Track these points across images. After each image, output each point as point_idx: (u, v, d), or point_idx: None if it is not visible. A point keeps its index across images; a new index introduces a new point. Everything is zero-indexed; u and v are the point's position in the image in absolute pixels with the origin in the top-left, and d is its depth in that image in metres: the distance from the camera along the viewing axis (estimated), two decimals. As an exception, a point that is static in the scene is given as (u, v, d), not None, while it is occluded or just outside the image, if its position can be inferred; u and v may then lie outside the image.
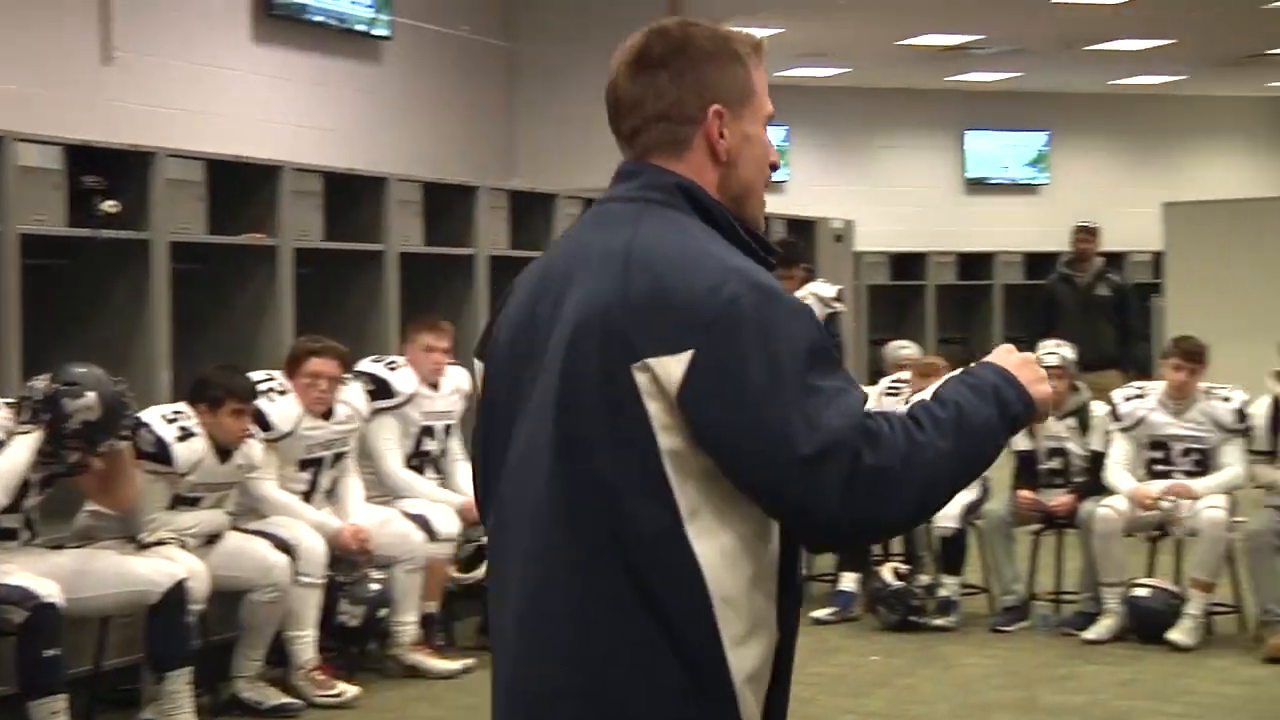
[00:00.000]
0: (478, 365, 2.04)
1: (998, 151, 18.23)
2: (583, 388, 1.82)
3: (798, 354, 1.79)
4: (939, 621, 7.08)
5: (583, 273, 1.88)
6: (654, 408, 1.79)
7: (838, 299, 8.63)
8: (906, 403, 1.89)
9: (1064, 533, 7.24)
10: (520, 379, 1.91)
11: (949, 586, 7.17)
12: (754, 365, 1.77)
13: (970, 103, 17.90)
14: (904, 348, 8.84)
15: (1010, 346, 1.97)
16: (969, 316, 16.55)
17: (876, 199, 17.34)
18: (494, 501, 1.95)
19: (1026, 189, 18.31)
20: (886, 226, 16.71)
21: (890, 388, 7.55)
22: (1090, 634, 6.79)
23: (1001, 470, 7.44)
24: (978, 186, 18.20)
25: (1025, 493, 7.16)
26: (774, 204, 10.70)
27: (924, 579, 7.19)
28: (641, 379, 1.79)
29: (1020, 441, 7.32)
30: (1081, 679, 6.24)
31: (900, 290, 16.18)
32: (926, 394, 1.88)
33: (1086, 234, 10.49)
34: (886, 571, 7.21)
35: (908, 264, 16.24)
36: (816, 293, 8.57)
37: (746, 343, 1.78)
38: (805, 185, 17.15)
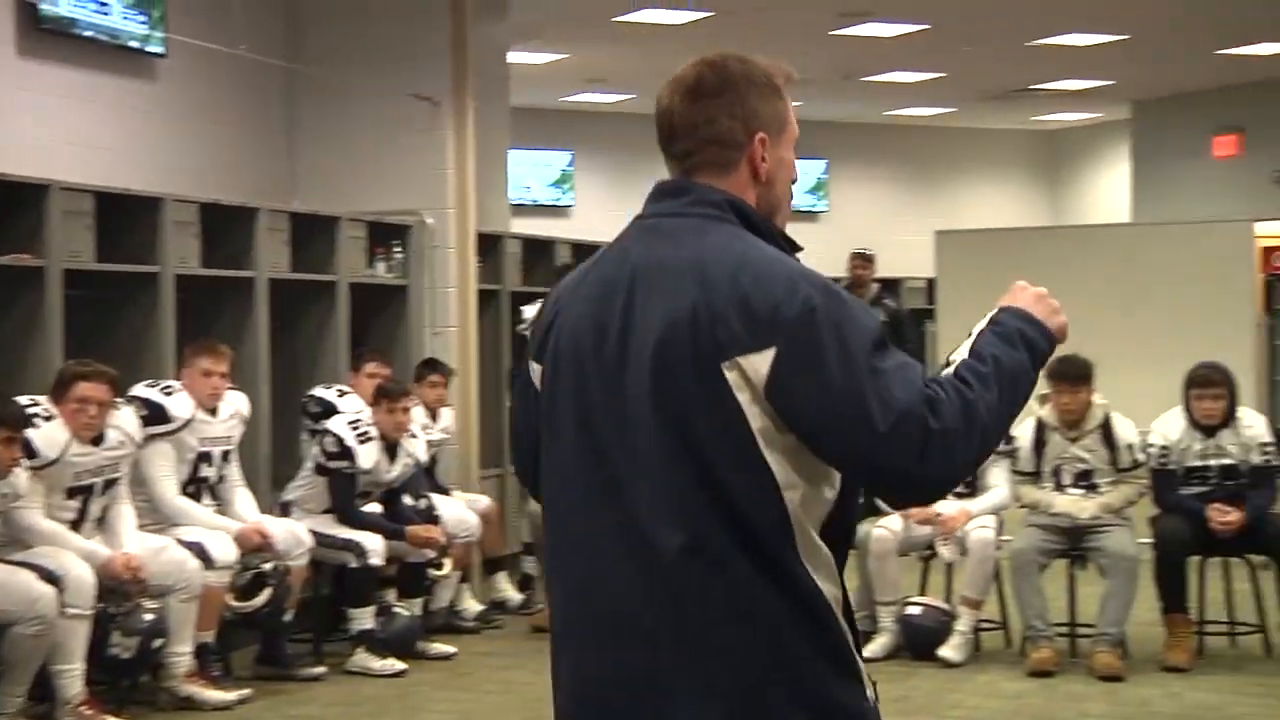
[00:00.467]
0: (535, 367, 2.26)
1: (779, 179, 18.59)
2: (677, 384, 2.08)
3: (865, 344, 2.06)
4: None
5: (657, 283, 2.13)
6: (743, 398, 2.06)
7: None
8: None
9: (841, 553, 7.38)
10: (588, 377, 2.16)
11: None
12: (831, 357, 2.04)
13: (753, 131, 18.21)
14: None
15: (1023, 284, 2.22)
16: (752, 341, 16.82)
17: (661, 224, 17.52)
18: (555, 475, 2.21)
19: (807, 216, 18.70)
20: (671, 252, 16.90)
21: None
22: (865, 652, 6.91)
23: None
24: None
25: None
26: (559, 229, 10.68)
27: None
28: (731, 375, 2.06)
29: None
30: (858, 696, 6.36)
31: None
32: (962, 350, 2.14)
33: (863, 260, 10.77)
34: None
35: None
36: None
37: (823, 338, 2.05)
38: (591, 210, 17.25)
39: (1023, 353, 2.13)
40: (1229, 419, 6.87)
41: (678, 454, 2.09)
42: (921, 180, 19.19)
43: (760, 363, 2.05)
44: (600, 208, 17.38)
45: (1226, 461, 6.86)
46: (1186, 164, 16.18)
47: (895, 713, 6.08)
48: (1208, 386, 6.86)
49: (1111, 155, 18.52)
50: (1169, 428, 6.92)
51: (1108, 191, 18.54)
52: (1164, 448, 6.90)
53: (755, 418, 2.06)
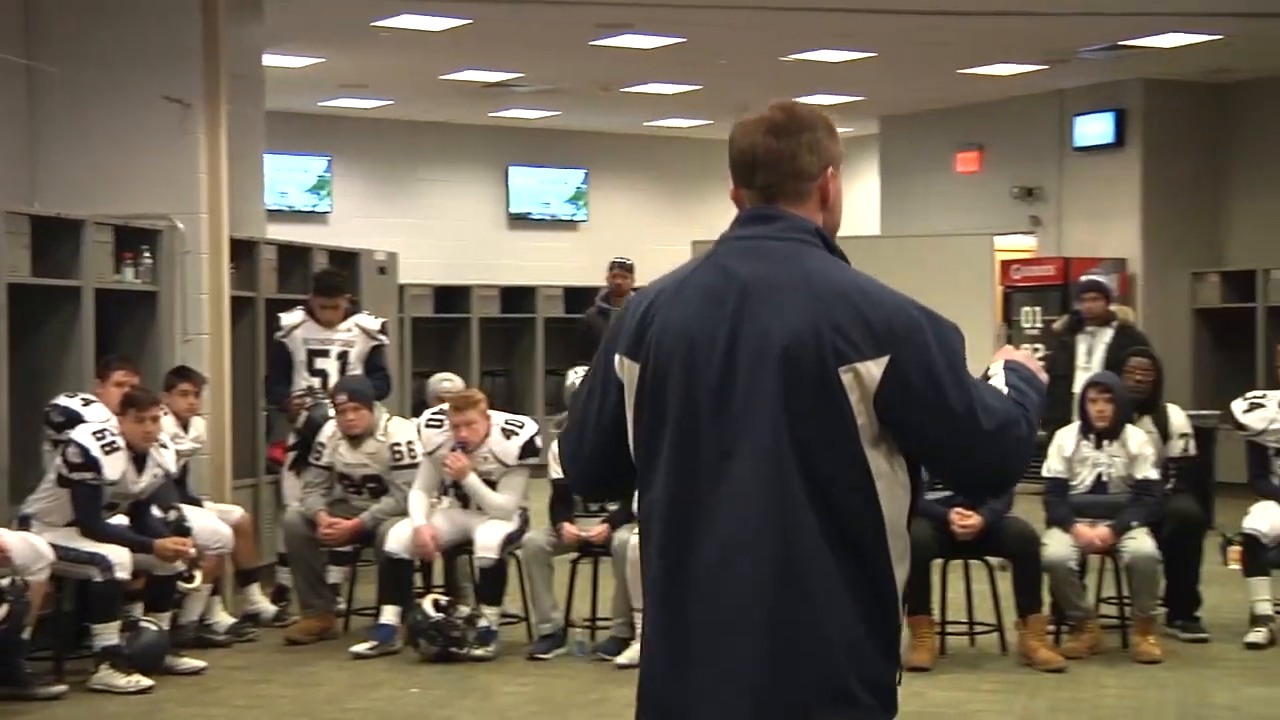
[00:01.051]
0: (628, 361, 2.56)
1: (539, 188, 18.62)
2: (799, 384, 2.44)
3: (960, 359, 2.50)
4: (479, 652, 7.15)
5: (769, 297, 2.49)
6: (854, 398, 2.43)
7: (382, 331, 8.62)
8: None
9: (599, 560, 7.45)
10: (698, 373, 2.49)
11: (489, 617, 7.25)
12: (939, 367, 2.45)
13: (513, 139, 18.22)
14: (446, 380, 8.91)
15: (1010, 346, 2.78)
16: (512, 349, 16.83)
17: (420, 232, 17.39)
18: (653, 462, 2.52)
19: (567, 225, 18.78)
20: (430, 259, 16.79)
21: (431, 419, 7.58)
22: (623, 659, 7.00)
23: (539, 500, 7.60)
24: (520, 222, 18.53)
25: (568, 526, 7.32)
26: (316, 235, 10.52)
27: (464, 610, 7.24)
28: (846, 378, 2.43)
29: (557, 470, 7.49)
30: (613, 702, 6.43)
31: (444, 323, 16.28)
32: (998, 382, 2.58)
33: (622, 270, 10.87)
34: (427, 603, 7.22)
35: (451, 297, 16.37)
36: (361, 325, 8.53)
37: (930, 351, 2.45)
38: (348, 217, 17.02)
39: (1035, 394, 2.60)
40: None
41: (786, 443, 2.43)
42: (680, 191, 19.45)
43: (875, 369, 2.43)
44: (358, 214, 17.17)
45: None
46: (931, 179, 16.75)
47: None
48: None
49: (860, 169, 19.05)
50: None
51: (857, 204, 19.05)
52: (909, 454, 7.12)
53: (860, 415, 2.43)
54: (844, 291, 2.48)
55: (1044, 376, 2.67)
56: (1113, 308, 9.68)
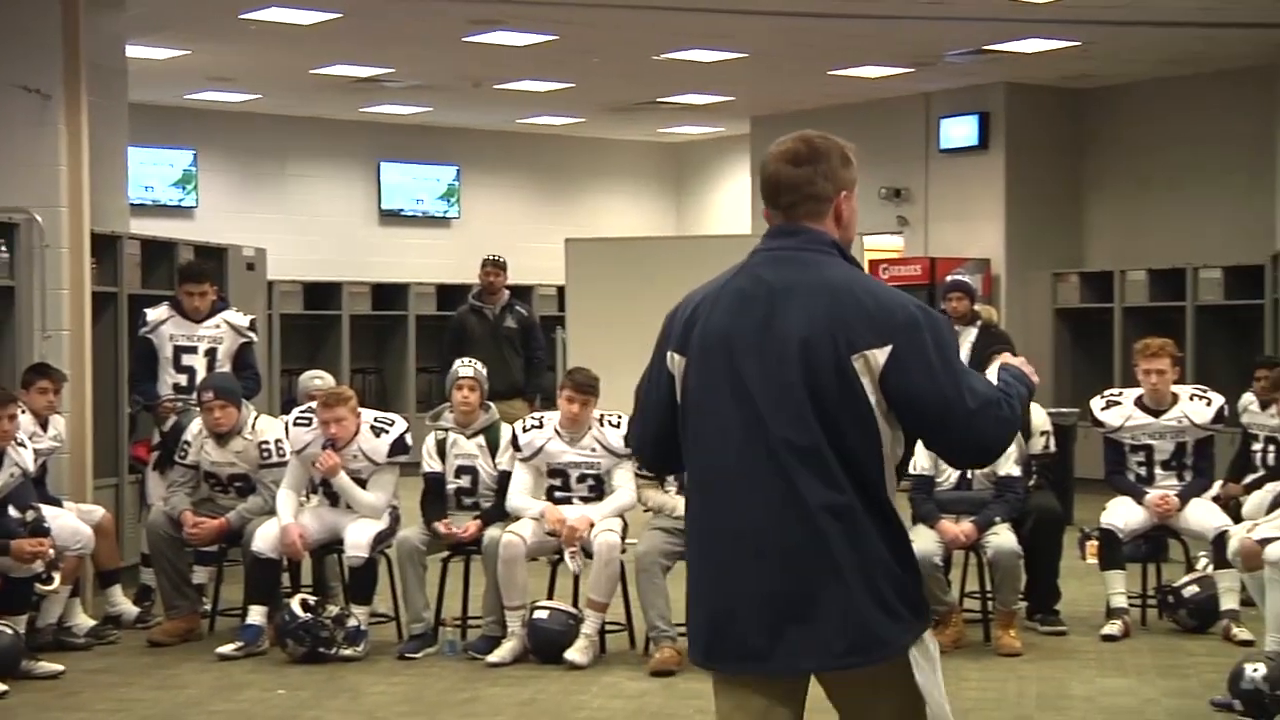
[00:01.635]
0: (676, 357, 3.16)
1: (411, 184, 18.48)
2: (821, 372, 3.00)
3: (952, 348, 3.06)
4: (348, 652, 7.09)
5: (794, 298, 3.05)
6: (865, 381, 3.00)
7: (251, 328, 8.50)
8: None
9: (471, 558, 7.42)
10: (742, 365, 3.06)
11: (358, 616, 7.19)
12: (932, 354, 3.00)
13: (384, 134, 18.07)
14: (317, 377, 8.81)
15: (1008, 355, 3.33)
16: (383, 346, 16.69)
17: (290, 228, 17.18)
18: (702, 440, 3.11)
19: (439, 222, 18.67)
20: (300, 256, 16.59)
21: (300, 418, 7.50)
22: (493, 657, 6.99)
23: (410, 499, 7.56)
24: (392, 218, 18.38)
25: (444, 526, 7.28)
26: (183, 230, 10.35)
27: (333, 609, 7.17)
28: (858, 364, 2.99)
29: (431, 463, 7.46)
30: (484, 701, 6.41)
31: (314, 320, 16.10)
32: (991, 375, 3.20)
33: (495, 267, 10.83)
34: (295, 603, 7.14)
35: (322, 294, 16.19)
36: (229, 321, 8.40)
37: (925, 341, 3.00)
38: (215, 212, 16.74)
39: (1024, 388, 3.18)
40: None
41: (815, 420, 3.01)
42: (552, 189, 19.43)
43: (880, 356, 2.99)
44: (225, 209, 16.91)
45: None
46: (802, 179, 16.90)
47: (521, 716, 6.17)
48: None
49: (733, 168, 19.19)
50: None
51: (729, 203, 19.21)
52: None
53: (872, 394, 3.00)
54: (854, 292, 3.04)
55: (1035, 378, 3.23)
56: (977, 307, 9.85)
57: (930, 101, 15.73)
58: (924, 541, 7.21)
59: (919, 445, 7.46)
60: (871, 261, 14.76)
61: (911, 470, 7.50)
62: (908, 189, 16.04)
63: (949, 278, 10.78)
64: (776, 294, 3.07)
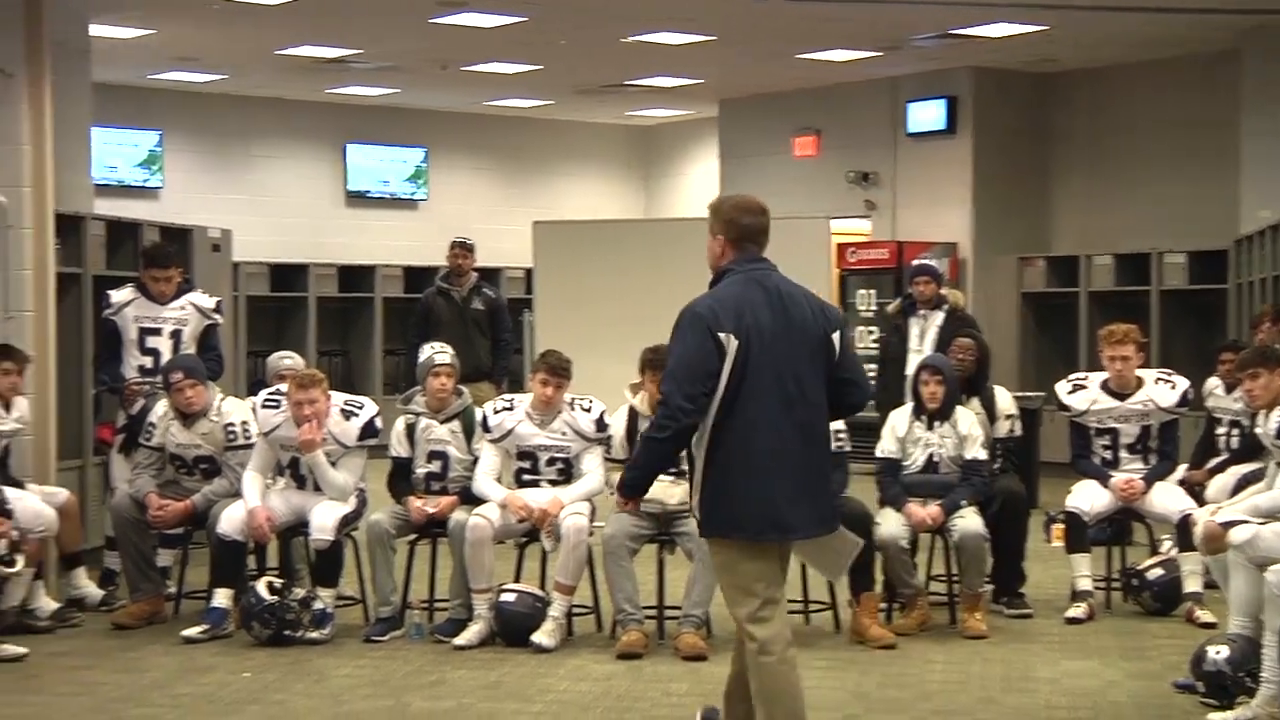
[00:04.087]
0: (732, 339, 4.68)
1: (378, 166, 18.41)
2: (817, 346, 4.79)
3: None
4: (313, 634, 7.07)
5: (791, 298, 4.82)
6: (833, 352, 4.83)
7: (216, 310, 8.44)
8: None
9: (438, 541, 7.41)
10: (769, 344, 4.72)
11: (324, 599, 7.17)
12: (849, 338, 4.98)
13: (351, 116, 17.99)
14: (287, 358, 8.75)
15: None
16: (349, 329, 16.64)
17: (256, 209, 17.09)
18: (751, 403, 4.71)
19: (406, 204, 18.60)
20: (266, 237, 16.51)
21: (268, 399, 7.46)
22: (460, 640, 6.98)
23: (378, 482, 7.54)
24: (359, 200, 18.31)
25: (414, 501, 7.27)
26: (148, 211, 10.28)
27: (299, 592, 7.15)
28: (835, 339, 4.82)
29: (399, 447, 7.44)
30: (450, 684, 6.41)
31: (280, 302, 16.03)
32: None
33: (463, 250, 10.79)
34: (261, 586, 7.12)
35: (288, 275, 16.12)
36: (195, 303, 8.34)
37: (847, 328, 4.98)
38: (180, 193, 16.64)
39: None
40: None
41: (819, 380, 4.80)
42: (520, 171, 19.39)
43: (836, 338, 4.84)
44: (190, 189, 16.81)
45: (802, 447, 7.23)
46: (769, 162, 16.92)
47: (487, 698, 6.16)
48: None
49: (701, 151, 19.18)
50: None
51: (697, 186, 19.20)
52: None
53: (833, 359, 4.83)
54: (808, 294, 4.87)
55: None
56: (944, 291, 9.86)
57: (898, 85, 15.74)
58: (891, 524, 7.23)
59: (887, 431, 7.53)
60: (839, 245, 14.77)
61: (879, 454, 7.52)
62: (875, 173, 16.06)
63: (916, 261, 10.80)
64: (780, 296, 4.80)
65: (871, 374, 12.09)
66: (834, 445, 7.16)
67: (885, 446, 7.52)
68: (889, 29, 13.44)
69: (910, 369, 8.55)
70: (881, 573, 7.32)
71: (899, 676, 6.54)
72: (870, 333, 14.27)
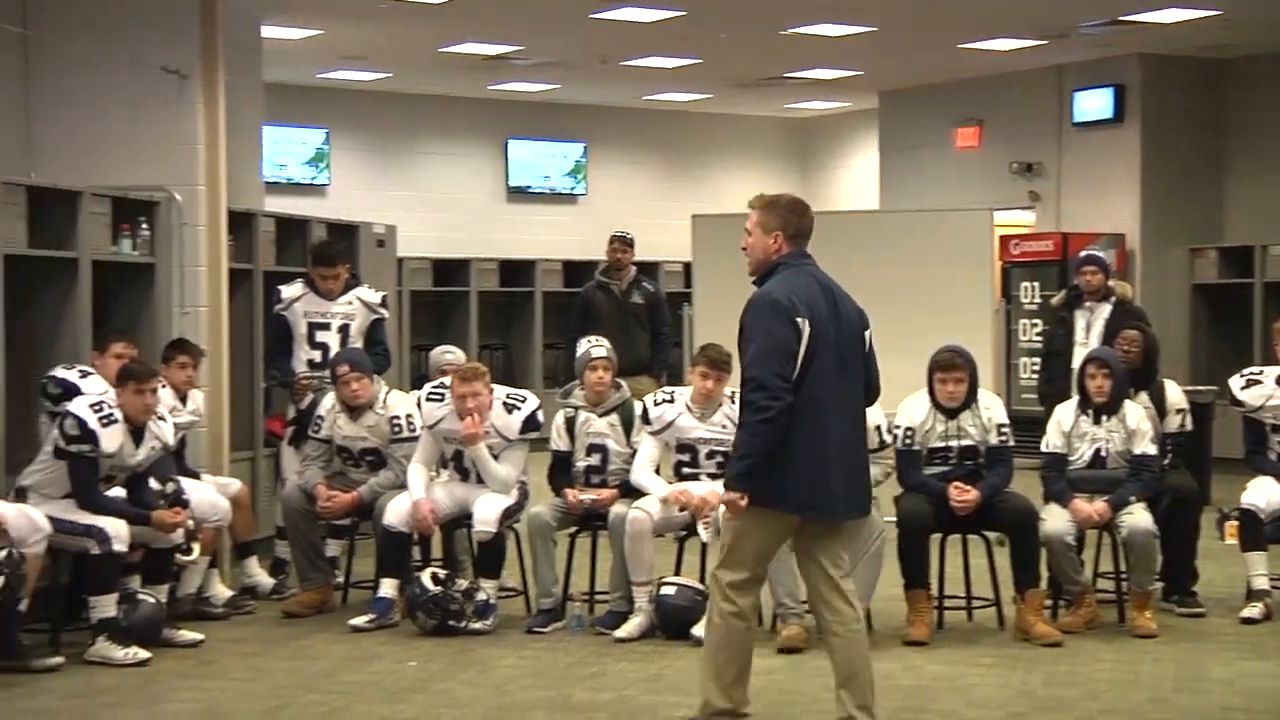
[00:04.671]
0: (806, 325, 5.04)
1: (538, 161, 18.57)
2: (859, 340, 5.25)
3: None
4: (476, 625, 7.16)
5: (842, 294, 5.23)
6: (864, 348, 5.30)
7: (383, 305, 8.59)
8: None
9: (598, 534, 7.45)
10: (830, 332, 5.10)
11: (487, 590, 7.26)
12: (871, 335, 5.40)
13: (512, 112, 18.17)
14: (449, 352, 8.87)
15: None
16: (510, 323, 16.82)
17: (419, 205, 17.36)
18: (819, 387, 5.07)
19: (566, 198, 18.74)
20: (429, 233, 16.76)
21: (432, 393, 7.57)
22: (621, 632, 7.01)
23: (539, 475, 7.60)
24: (519, 195, 18.49)
25: (573, 492, 7.33)
26: (314, 208, 10.48)
27: (462, 583, 7.25)
28: (867, 336, 5.28)
29: (559, 441, 7.50)
30: (611, 676, 6.44)
31: (443, 296, 16.27)
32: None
33: (622, 244, 10.84)
34: (425, 577, 7.23)
35: (450, 270, 16.35)
36: (362, 298, 8.50)
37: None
38: (347, 190, 16.98)
39: None
40: (970, 401, 7.15)
41: (863, 369, 5.24)
42: (679, 165, 19.41)
43: (868, 336, 5.27)
44: (356, 186, 17.13)
45: (966, 442, 7.14)
46: (930, 154, 16.71)
47: (648, 691, 6.18)
48: (950, 370, 7.12)
49: (860, 144, 19.01)
50: (914, 410, 7.17)
51: (856, 179, 19.04)
52: (909, 429, 7.15)
53: (865, 355, 5.28)
54: (846, 292, 5.28)
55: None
56: (1111, 283, 9.65)
57: (1063, 74, 15.43)
58: (1056, 521, 7.10)
59: (1052, 426, 7.38)
60: (1002, 237, 14.53)
61: (1044, 449, 7.39)
62: (1039, 163, 15.76)
63: (1083, 252, 10.57)
64: (833, 292, 5.19)
65: (1035, 367, 12.01)
66: (997, 440, 7.14)
67: (1050, 441, 7.39)
68: (1056, 17, 13.17)
69: (1076, 362, 8.38)
70: (1046, 569, 7.20)
71: (1066, 675, 6.42)
72: (1034, 325, 14.03)
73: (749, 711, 5.29)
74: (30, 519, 6.48)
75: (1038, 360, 10.06)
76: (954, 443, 7.14)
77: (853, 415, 5.18)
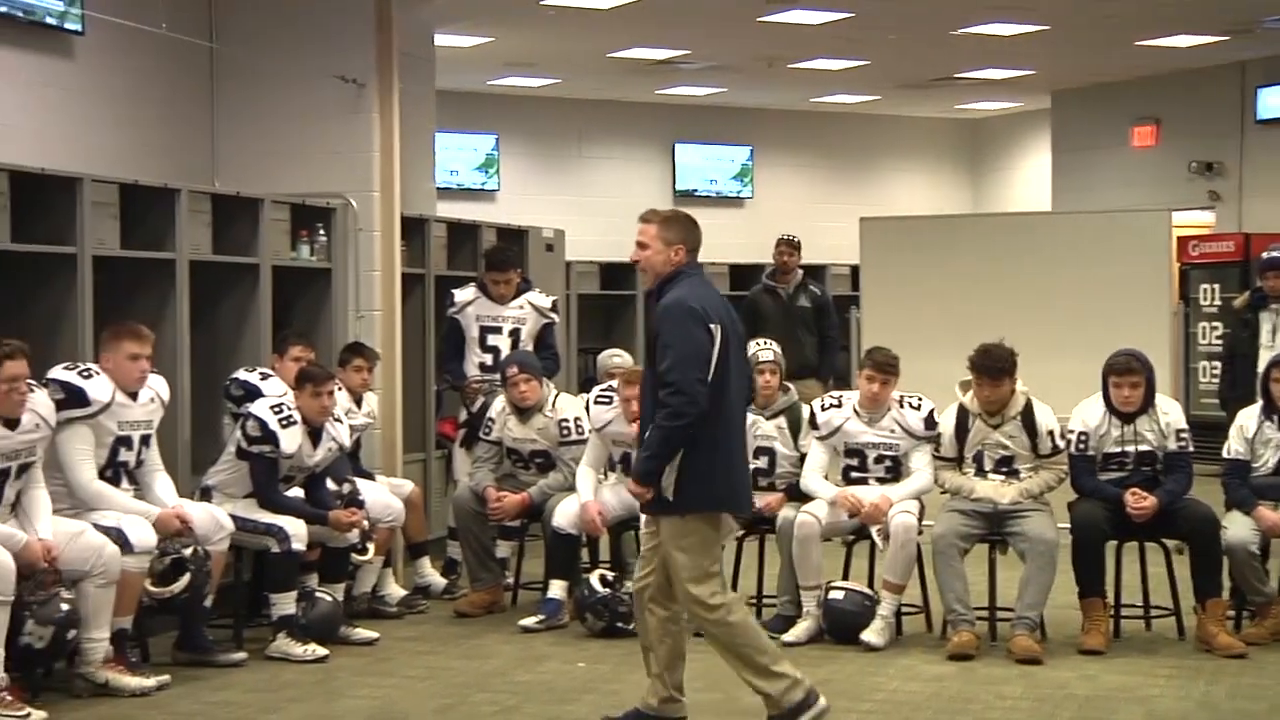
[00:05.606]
0: (718, 330, 5.24)
1: (705, 164, 18.61)
2: (741, 345, 5.57)
3: None
4: (644, 627, 7.17)
5: (726, 302, 5.45)
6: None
7: (553, 309, 8.68)
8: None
9: (766, 537, 7.43)
10: (731, 338, 5.31)
11: (654, 592, 7.26)
12: None
13: (678, 116, 18.22)
14: (616, 356, 8.94)
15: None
16: (676, 326, 16.83)
17: (587, 209, 17.50)
18: (726, 390, 5.26)
19: (732, 202, 18.75)
20: (597, 237, 16.86)
21: (600, 396, 7.62)
22: (789, 636, 6.98)
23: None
24: (686, 198, 18.53)
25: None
26: (484, 213, 10.64)
27: (630, 586, 7.28)
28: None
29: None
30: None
31: (610, 300, 16.36)
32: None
33: (789, 247, 10.80)
34: (594, 579, 7.28)
35: (617, 274, 16.43)
36: (533, 302, 8.60)
37: None
38: (515, 195, 17.19)
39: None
40: (1147, 406, 6.98)
41: (746, 369, 5.87)
42: (846, 167, 19.29)
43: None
44: (525, 192, 17.33)
45: (1144, 448, 6.97)
46: (1105, 153, 16.37)
47: (817, 696, 6.11)
48: (1126, 374, 6.96)
49: (1032, 144, 18.70)
50: (1088, 414, 7.02)
51: (1029, 180, 18.73)
52: (1083, 434, 7.00)
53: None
54: None
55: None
56: (1296, 286, 9.33)
57: (1246, 70, 15.00)
58: (1239, 529, 6.89)
59: (1235, 431, 7.16)
60: (1180, 238, 14.16)
61: (1226, 455, 7.18)
62: (1220, 162, 15.36)
63: (1265, 254, 10.24)
64: (723, 300, 5.42)
65: (1214, 371, 11.68)
66: (1176, 446, 6.96)
67: (1233, 447, 7.17)
68: (1239, 11, 12.82)
69: (1261, 366, 8.13)
70: (1229, 578, 6.99)
71: (1250, 688, 6.23)
72: (1214, 328, 13.65)
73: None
74: (214, 518, 6.66)
75: (1217, 364, 9.78)
76: (1130, 448, 6.98)
77: (744, 416, 5.59)
